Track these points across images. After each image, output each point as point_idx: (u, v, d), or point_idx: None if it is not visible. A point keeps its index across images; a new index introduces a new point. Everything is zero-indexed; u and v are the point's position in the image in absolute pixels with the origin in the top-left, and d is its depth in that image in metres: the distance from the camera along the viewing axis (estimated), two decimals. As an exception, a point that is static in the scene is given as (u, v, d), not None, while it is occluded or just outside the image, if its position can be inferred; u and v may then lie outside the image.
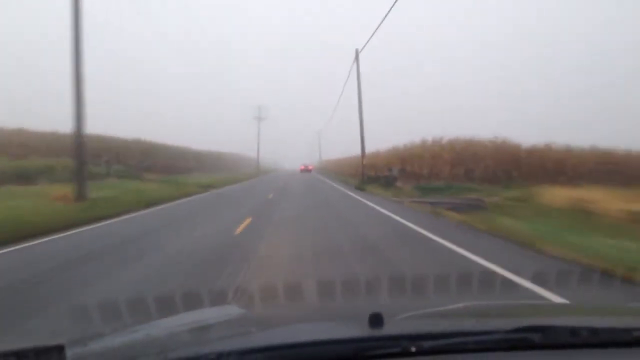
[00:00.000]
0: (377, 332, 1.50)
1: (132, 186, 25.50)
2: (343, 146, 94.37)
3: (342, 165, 53.82)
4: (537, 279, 5.15)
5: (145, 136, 47.88)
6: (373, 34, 26.56)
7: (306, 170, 76.77)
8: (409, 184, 25.79)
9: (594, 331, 1.50)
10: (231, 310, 2.81)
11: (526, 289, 4.97)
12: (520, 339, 1.46)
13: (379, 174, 29.29)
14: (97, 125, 50.34)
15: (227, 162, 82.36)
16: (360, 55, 29.07)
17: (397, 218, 12.36)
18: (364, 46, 29.73)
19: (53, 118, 55.95)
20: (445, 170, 26.98)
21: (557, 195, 15.19)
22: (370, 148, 35.97)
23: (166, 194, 22.50)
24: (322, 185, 31.94)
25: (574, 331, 1.49)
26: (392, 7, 18.30)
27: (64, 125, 23.15)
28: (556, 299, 4.49)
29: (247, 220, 11.57)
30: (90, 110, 15.64)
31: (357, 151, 50.96)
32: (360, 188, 26.14)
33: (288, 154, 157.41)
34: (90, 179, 20.05)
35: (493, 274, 5.73)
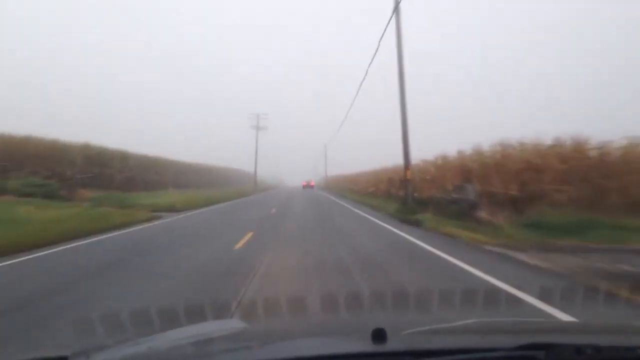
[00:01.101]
0: (380, 348, 1.48)
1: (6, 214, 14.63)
2: (350, 162, 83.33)
3: (358, 182, 42.46)
4: None
5: (131, 147, 38.04)
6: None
7: (308, 186, 75.47)
8: (498, 213, 14.55)
9: (598, 349, 1.50)
10: (233, 324, 2.86)
11: None
12: (524, 357, 1.46)
13: (435, 195, 18.04)
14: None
15: (220, 177, 71.51)
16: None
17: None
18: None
19: None
20: (550, 188, 15.73)
21: None
22: (393, 161, 25.02)
23: (54, 231, 11.73)
24: (339, 211, 21.19)
25: (578, 349, 1.48)
26: None
27: None
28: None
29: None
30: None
31: (373, 164, 40.85)
32: (407, 219, 15.05)
33: (291, 171, 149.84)
34: None
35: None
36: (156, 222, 16.51)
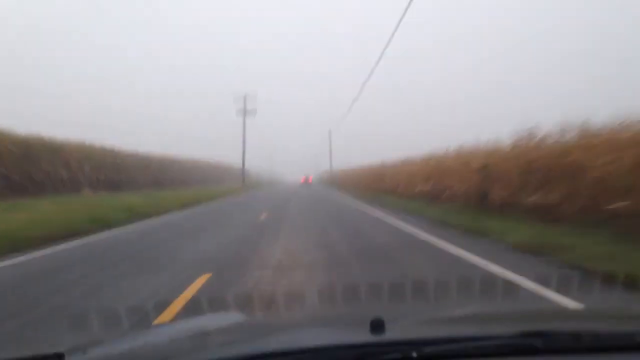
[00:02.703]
0: (378, 338, 1.50)
1: None
2: (360, 154, 73.25)
3: (389, 177, 30.51)
4: None
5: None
6: None
7: (306, 182, 72.89)
8: None
9: (596, 336, 1.52)
10: (232, 316, 2.76)
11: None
12: (522, 344, 1.46)
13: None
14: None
15: (205, 174, 61.37)
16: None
17: None
18: None
19: None
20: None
21: None
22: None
23: None
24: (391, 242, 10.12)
25: (576, 336, 1.49)
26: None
27: None
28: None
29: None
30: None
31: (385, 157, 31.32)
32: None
33: (290, 165, 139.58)
34: None
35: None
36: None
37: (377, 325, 1.52)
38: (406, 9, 15.82)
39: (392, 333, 1.56)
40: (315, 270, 6.55)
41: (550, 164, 10.80)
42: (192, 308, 4.45)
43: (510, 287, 5.26)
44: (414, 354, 1.40)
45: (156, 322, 4.06)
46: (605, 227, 7.99)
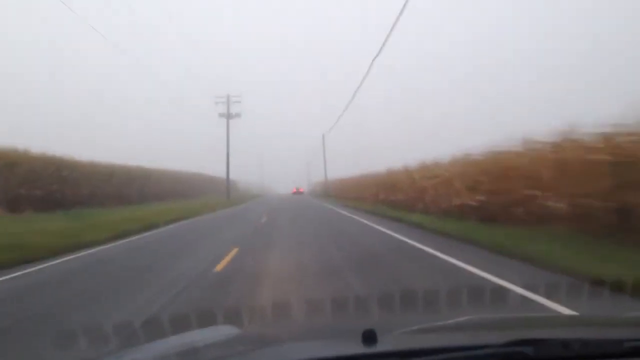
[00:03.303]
0: (370, 349, 1.50)
1: None
2: (351, 165, 66.69)
3: (390, 186, 24.77)
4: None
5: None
6: None
7: (297, 193, 71.76)
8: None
9: (585, 343, 1.53)
10: (222, 330, 2.68)
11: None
12: (512, 353, 1.48)
13: None
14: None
15: (185, 186, 54.61)
16: None
17: None
18: None
19: None
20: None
21: None
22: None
23: None
24: None
25: (565, 344, 1.51)
26: None
27: None
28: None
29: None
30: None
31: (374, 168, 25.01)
32: None
33: (280, 176, 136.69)
34: None
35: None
36: None
37: (369, 337, 1.51)
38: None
39: (384, 344, 1.55)
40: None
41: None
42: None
43: None
44: None
45: None
46: None
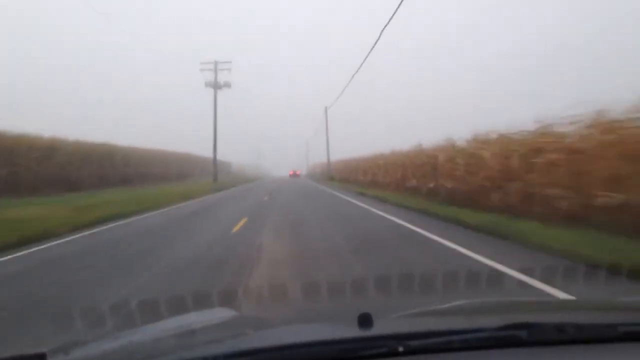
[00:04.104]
0: (366, 333, 1.50)
1: None
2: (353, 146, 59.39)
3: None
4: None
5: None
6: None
7: (294, 175, 69.32)
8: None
9: (579, 327, 1.52)
10: (218, 313, 2.73)
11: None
12: (507, 337, 1.47)
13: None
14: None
15: (168, 168, 47.47)
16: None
17: None
18: None
19: None
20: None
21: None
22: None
23: None
24: None
25: (560, 328, 1.51)
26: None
27: None
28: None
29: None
30: None
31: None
32: None
33: (280, 160, 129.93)
34: None
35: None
36: None
37: (364, 320, 1.52)
38: None
39: (379, 328, 1.55)
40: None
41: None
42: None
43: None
44: (401, 348, 1.40)
45: None
46: None
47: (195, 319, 2.33)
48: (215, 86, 41.01)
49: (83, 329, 3.32)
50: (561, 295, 4.50)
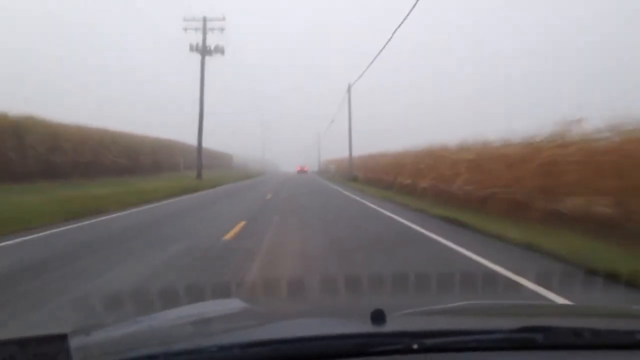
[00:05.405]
0: (379, 329, 1.49)
1: None
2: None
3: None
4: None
5: None
6: None
7: (302, 171, 70.47)
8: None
9: (596, 333, 1.49)
10: (234, 303, 2.73)
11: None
12: (522, 339, 1.45)
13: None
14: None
15: (148, 157, 37.45)
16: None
17: None
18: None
19: None
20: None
21: None
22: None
23: None
24: None
25: (576, 332, 1.47)
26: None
27: None
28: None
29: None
30: None
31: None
32: None
33: (289, 155, 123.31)
34: None
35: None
36: None
37: (378, 316, 1.51)
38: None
39: (393, 324, 1.54)
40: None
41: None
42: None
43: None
44: (415, 346, 1.38)
45: None
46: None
47: (211, 308, 2.36)
48: (204, 51, 31.18)
49: None
50: None
